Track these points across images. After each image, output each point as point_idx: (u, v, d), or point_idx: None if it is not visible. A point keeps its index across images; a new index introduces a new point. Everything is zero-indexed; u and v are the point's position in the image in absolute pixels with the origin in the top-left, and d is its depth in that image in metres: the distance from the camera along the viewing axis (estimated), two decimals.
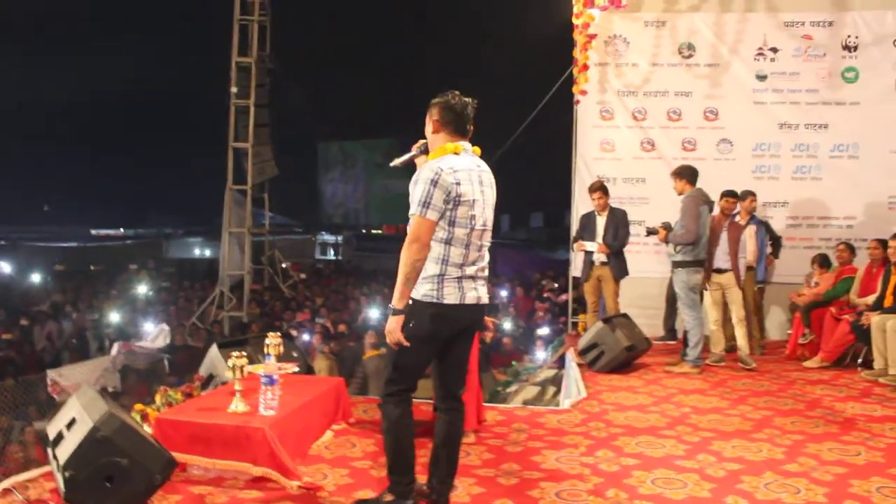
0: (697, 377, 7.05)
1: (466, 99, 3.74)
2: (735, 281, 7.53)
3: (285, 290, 18.05)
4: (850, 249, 8.36)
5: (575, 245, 8.63)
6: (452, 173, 3.53)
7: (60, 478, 3.69)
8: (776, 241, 8.84)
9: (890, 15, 9.05)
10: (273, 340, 4.81)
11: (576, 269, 9.21)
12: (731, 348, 8.31)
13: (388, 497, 3.77)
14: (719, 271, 7.51)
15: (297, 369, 4.95)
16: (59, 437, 3.90)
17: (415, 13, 32.78)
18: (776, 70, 9.29)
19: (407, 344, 3.55)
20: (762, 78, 9.29)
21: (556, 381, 8.42)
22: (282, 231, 28.72)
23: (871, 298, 7.65)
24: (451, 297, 3.60)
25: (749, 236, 8.28)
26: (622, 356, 7.22)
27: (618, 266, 8.18)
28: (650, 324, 8.74)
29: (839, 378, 7.15)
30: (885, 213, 9.04)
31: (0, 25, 32.78)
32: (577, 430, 5.34)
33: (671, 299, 8.64)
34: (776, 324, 9.22)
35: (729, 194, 7.71)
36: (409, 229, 3.54)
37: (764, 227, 8.61)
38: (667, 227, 7.38)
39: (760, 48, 9.30)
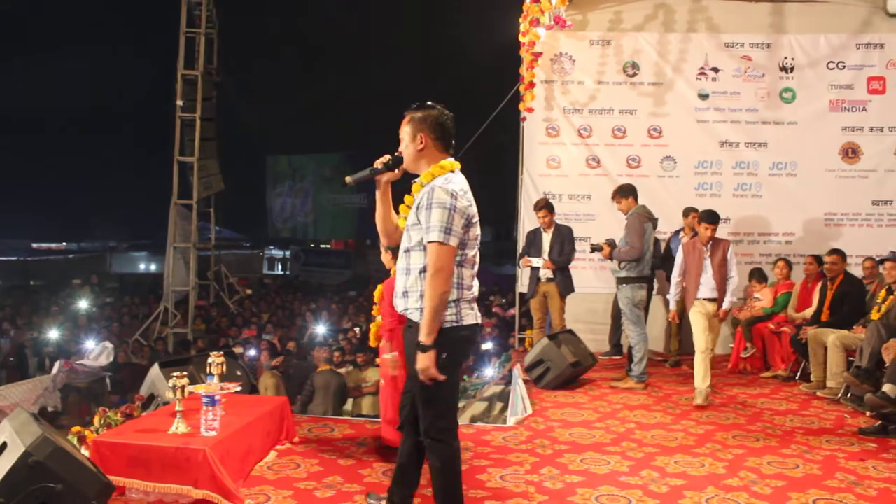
0: (642, 392, 7.13)
1: (450, 113, 3.60)
2: (718, 310, 6.92)
3: (231, 305, 17.85)
4: (789, 265, 8.58)
5: (521, 261, 8.68)
6: (464, 195, 3.43)
7: None
8: None
9: (822, 38, 9.35)
10: (216, 359, 4.74)
11: (523, 286, 9.26)
12: (677, 363, 8.48)
13: None
14: (709, 300, 6.86)
15: (239, 388, 4.89)
16: None
17: (362, 29, 32.85)
18: (717, 89, 9.50)
19: (443, 378, 3.39)
20: (704, 97, 9.49)
21: (504, 397, 8.44)
22: (229, 246, 28.46)
23: (808, 312, 7.88)
24: (468, 317, 3.50)
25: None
26: (568, 372, 7.27)
27: (563, 282, 8.25)
28: (596, 339, 8.83)
29: (779, 391, 7.31)
30: (821, 230, 9.29)
31: None
32: (523, 447, 5.35)
33: (616, 315, 8.72)
34: (719, 338, 9.35)
35: (709, 219, 6.88)
36: (429, 258, 3.37)
37: None
38: (611, 243, 7.46)
39: (702, 68, 9.50)
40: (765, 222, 9.47)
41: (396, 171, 3.64)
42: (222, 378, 4.74)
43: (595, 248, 7.65)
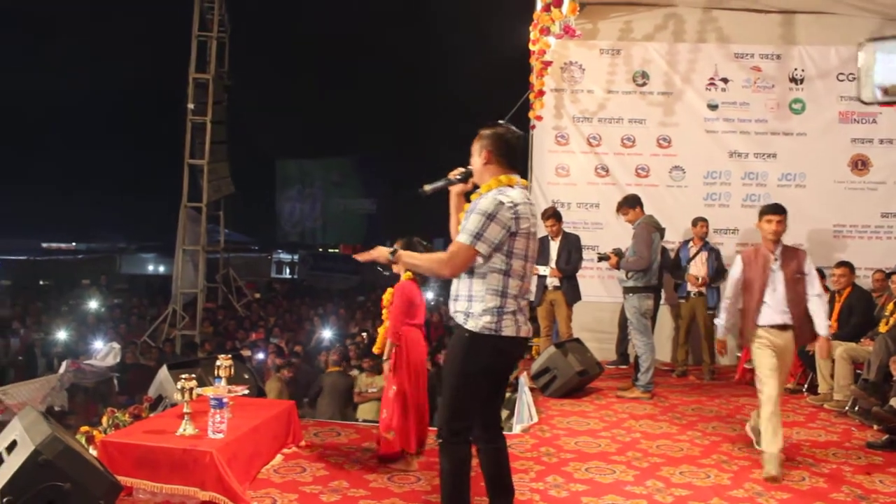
0: (648, 402, 7.12)
1: (519, 132, 3.75)
2: (793, 340, 5.17)
3: (239, 308, 17.89)
4: None
5: None
6: (512, 207, 3.51)
7: None
8: (718, 273, 8.73)
9: (833, 50, 9.33)
10: (224, 362, 4.78)
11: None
12: (684, 373, 8.45)
13: None
14: (778, 328, 5.11)
15: (247, 392, 4.91)
16: None
17: (375, 36, 32.89)
18: (727, 100, 9.49)
19: (365, 259, 3.78)
20: (713, 107, 9.49)
21: (510, 405, 8.44)
22: (237, 249, 28.49)
23: None
24: (508, 329, 3.53)
25: (701, 262, 8.44)
26: (574, 381, 7.27)
27: (570, 290, 8.25)
28: (602, 348, 8.83)
29: (786, 403, 7.26)
30: (829, 241, 9.26)
31: None
32: (528, 455, 5.36)
33: (623, 324, 8.71)
34: (728, 349, 9.32)
35: (774, 210, 5.51)
36: (449, 249, 3.57)
37: (715, 253, 8.67)
38: (618, 253, 7.46)
39: (712, 78, 9.50)
40: None
41: (467, 182, 3.84)
42: (230, 381, 4.78)
43: (602, 258, 7.66)
